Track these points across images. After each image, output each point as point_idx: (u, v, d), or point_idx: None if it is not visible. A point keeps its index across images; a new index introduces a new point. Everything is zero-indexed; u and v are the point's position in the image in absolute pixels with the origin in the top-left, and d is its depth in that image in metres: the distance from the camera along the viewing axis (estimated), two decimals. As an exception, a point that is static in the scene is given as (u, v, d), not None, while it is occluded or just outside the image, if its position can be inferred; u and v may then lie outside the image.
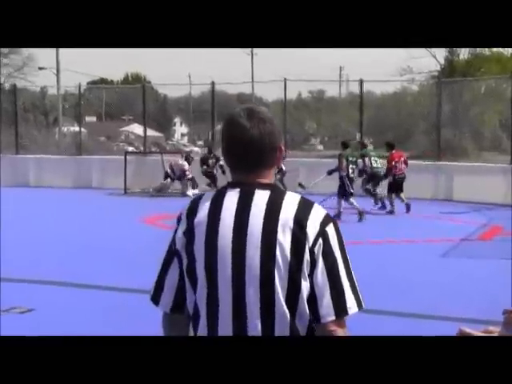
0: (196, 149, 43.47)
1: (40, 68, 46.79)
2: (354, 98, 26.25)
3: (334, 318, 2.12)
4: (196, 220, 2.19)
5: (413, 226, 14.25)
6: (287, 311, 2.11)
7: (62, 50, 42.40)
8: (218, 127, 32.09)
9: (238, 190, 2.20)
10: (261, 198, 2.17)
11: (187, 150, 38.05)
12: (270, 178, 2.26)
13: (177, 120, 57.12)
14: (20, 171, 23.18)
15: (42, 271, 9.07)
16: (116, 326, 6.57)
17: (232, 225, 2.15)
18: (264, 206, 2.15)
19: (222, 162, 19.53)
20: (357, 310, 2.15)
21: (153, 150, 29.05)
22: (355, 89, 24.48)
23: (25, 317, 6.96)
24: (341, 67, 57.86)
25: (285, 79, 22.63)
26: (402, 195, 16.27)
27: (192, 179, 20.66)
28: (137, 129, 35.21)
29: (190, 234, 2.19)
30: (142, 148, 26.95)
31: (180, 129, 58.66)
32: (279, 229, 2.11)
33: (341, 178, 15.08)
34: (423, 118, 28.70)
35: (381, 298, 7.04)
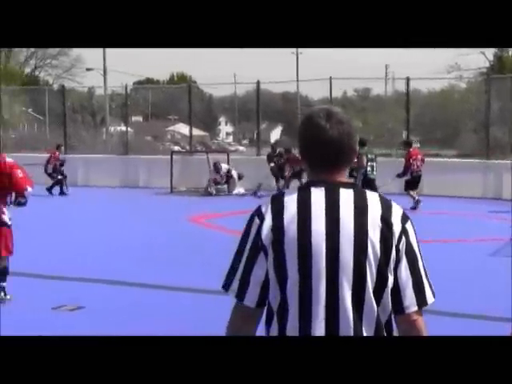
0: (241, 148, 43.64)
1: (88, 69, 47.46)
2: (400, 96, 25.99)
3: (416, 308, 2.29)
4: (285, 217, 2.26)
5: (462, 225, 14.06)
6: (374, 304, 2.25)
7: (108, 52, 42.91)
8: (264, 126, 32.11)
9: (323, 188, 2.30)
10: (347, 196, 2.29)
11: (232, 149, 38.23)
12: (345, 176, 2.37)
13: (222, 119, 57.36)
14: (68, 171, 23.45)
15: (90, 269, 9.18)
16: (161, 323, 6.60)
17: (324, 222, 2.25)
18: (352, 205, 2.27)
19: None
20: (433, 300, 2.33)
21: (198, 149, 29.19)
22: (401, 87, 24.23)
23: (74, 314, 7.05)
24: (386, 65, 57.39)
25: (330, 78, 22.51)
26: (414, 192, 16.62)
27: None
28: (182, 128, 35.40)
29: (278, 230, 2.25)
30: (187, 147, 27.09)
31: (225, 128, 58.89)
32: (369, 227, 2.24)
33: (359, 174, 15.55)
34: (471, 115, 28.34)
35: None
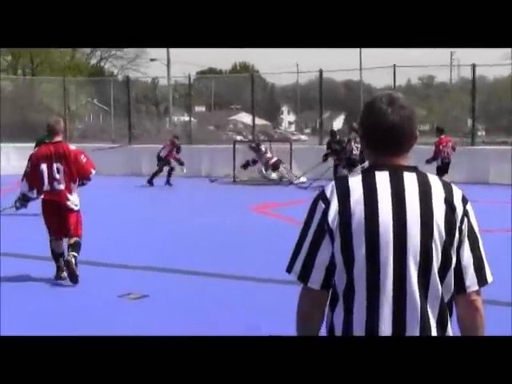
0: (303, 137, 43.53)
1: (151, 60, 48.02)
2: (466, 83, 25.54)
3: (477, 287, 2.36)
4: (352, 200, 2.31)
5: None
6: (439, 285, 2.31)
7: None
8: (327, 115, 31.94)
9: (387, 172, 2.36)
10: (410, 179, 2.35)
11: (294, 138, 38.15)
12: (408, 160, 2.42)
13: (284, 108, 57.31)
14: (133, 161, 23.78)
15: (154, 258, 9.31)
16: (224, 313, 6.66)
17: (390, 205, 2.31)
18: (417, 188, 2.33)
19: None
20: (491, 279, 2.39)
21: (261, 138, 29.23)
22: (467, 74, 23.82)
23: (138, 302, 7.15)
24: (452, 52, 56.33)
25: (394, 65, 22.25)
26: (445, 178, 16.37)
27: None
28: (245, 118, 35.53)
29: (346, 214, 2.31)
30: (250, 137, 27.16)
31: (287, 117, 58.81)
32: (435, 209, 2.30)
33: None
34: (540, 102, 27.56)
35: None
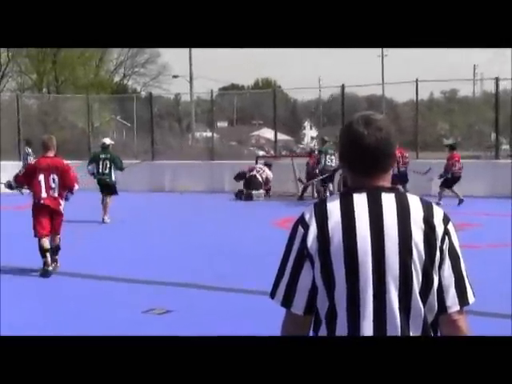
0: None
1: (174, 76, 48.28)
2: (489, 97, 25.45)
3: (458, 307, 2.33)
4: (330, 225, 2.30)
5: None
6: (421, 305, 2.29)
7: (194, 59, 43.60)
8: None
9: (365, 193, 2.34)
10: (388, 200, 2.33)
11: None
12: (388, 180, 2.40)
13: (306, 123, 57.31)
14: (156, 177, 23.90)
15: (177, 273, 9.33)
16: (250, 328, 6.65)
17: (368, 228, 2.28)
18: (395, 209, 2.31)
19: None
20: (473, 299, 2.36)
21: (283, 153, 29.24)
22: (490, 87, 23.73)
23: (162, 318, 7.16)
24: (475, 65, 56.13)
25: (416, 80, 22.21)
26: (453, 190, 17.88)
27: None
28: (267, 133, 35.63)
29: (324, 239, 2.30)
30: (272, 152, 27.19)
31: (310, 132, 58.81)
32: (413, 230, 2.28)
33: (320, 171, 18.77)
34: None
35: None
